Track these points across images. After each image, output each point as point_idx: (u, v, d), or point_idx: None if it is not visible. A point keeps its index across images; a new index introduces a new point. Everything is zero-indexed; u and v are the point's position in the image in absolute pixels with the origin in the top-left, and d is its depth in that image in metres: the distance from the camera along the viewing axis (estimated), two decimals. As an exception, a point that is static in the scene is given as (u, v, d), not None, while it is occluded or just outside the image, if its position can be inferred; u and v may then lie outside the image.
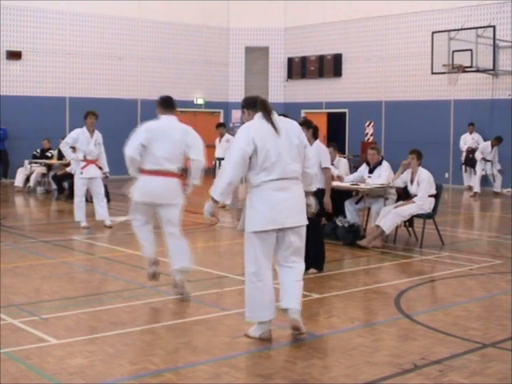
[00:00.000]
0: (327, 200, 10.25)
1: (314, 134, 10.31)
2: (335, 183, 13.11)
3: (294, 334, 6.95)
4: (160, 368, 6.07)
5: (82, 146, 14.00)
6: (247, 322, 6.94)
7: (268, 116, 6.73)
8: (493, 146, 22.52)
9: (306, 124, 10.17)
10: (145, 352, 6.48)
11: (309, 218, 9.48)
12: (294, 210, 6.79)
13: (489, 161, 22.58)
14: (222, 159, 17.53)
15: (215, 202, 6.82)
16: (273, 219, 6.67)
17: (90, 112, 14.34)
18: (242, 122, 7.10)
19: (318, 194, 10.17)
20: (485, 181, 22.91)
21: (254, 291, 6.80)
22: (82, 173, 14.02)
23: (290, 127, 6.89)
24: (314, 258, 9.91)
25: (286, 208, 6.70)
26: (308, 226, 9.05)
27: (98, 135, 14.25)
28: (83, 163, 14.08)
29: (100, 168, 14.25)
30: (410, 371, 6.03)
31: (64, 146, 14.29)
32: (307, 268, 9.17)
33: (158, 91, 28.40)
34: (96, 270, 10.25)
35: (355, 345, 6.78)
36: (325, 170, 10.26)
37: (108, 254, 11.50)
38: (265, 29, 30.60)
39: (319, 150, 10.13)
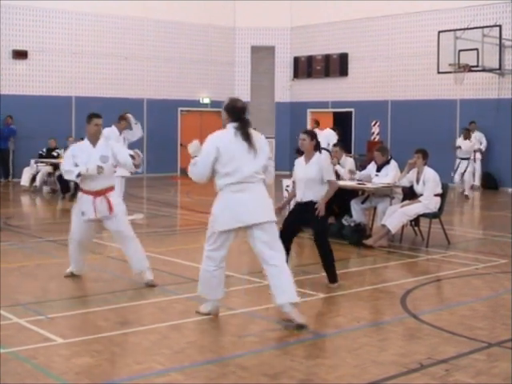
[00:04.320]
0: (321, 205, 9.37)
1: (316, 147, 9.66)
2: (342, 182, 13.13)
3: (295, 326, 7.27)
4: (166, 367, 6.07)
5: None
6: (198, 295, 7.80)
7: (246, 135, 7.26)
8: (466, 138, 22.23)
9: (309, 134, 9.73)
10: (151, 351, 6.49)
11: (318, 233, 9.31)
12: (255, 209, 7.29)
13: (467, 158, 22.13)
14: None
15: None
16: (236, 218, 7.27)
17: (122, 116, 14.63)
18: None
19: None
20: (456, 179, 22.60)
21: (208, 274, 7.63)
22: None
23: (259, 140, 7.40)
24: (329, 272, 9.45)
25: (247, 207, 7.24)
26: (320, 243, 9.02)
27: (124, 133, 14.42)
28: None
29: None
30: (415, 371, 6.03)
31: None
32: (331, 282, 9.37)
33: (164, 91, 28.71)
34: (102, 270, 10.25)
35: (361, 344, 6.79)
36: (329, 182, 9.55)
37: (114, 253, 11.50)
38: (271, 28, 30.58)
39: (319, 164, 9.46)
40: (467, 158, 22.09)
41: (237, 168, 7.17)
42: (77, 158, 9.37)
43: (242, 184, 7.21)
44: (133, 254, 9.35)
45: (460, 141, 22.25)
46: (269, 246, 7.34)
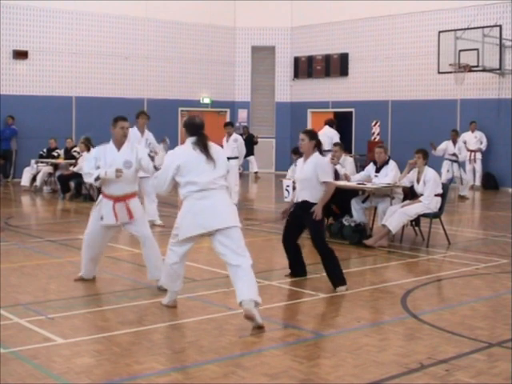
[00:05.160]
0: (318, 208, 9.14)
1: (316, 146, 9.40)
2: (342, 182, 13.12)
3: (254, 326, 7.30)
4: (167, 367, 6.08)
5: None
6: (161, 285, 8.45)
7: (203, 147, 7.68)
8: (454, 142, 22.04)
9: (308, 134, 9.47)
10: (151, 351, 6.49)
11: (314, 235, 9.23)
12: (215, 215, 7.55)
13: (455, 161, 21.79)
14: (230, 158, 17.50)
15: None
16: (198, 225, 7.58)
17: (141, 112, 14.46)
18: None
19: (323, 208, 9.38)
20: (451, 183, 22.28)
21: (168, 267, 8.00)
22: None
23: (216, 153, 7.79)
24: (336, 275, 9.25)
25: (207, 214, 7.53)
26: (316, 245, 8.97)
27: (148, 134, 14.36)
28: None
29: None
30: (416, 371, 6.03)
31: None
32: (336, 286, 9.16)
33: (165, 91, 28.71)
34: (103, 270, 10.22)
35: (362, 344, 6.79)
36: (325, 184, 9.29)
37: (115, 253, 11.50)
38: (271, 28, 30.59)
39: (316, 164, 9.27)
40: (456, 161, 21.85)
41: (197, 177, 7.55)
42: (99, 161, 9.02)
43: (203, 192, 7.55)
44: (150, 260, 9.04)
45: (450, 144, 22.04)
46: (232, 251, 7.51)
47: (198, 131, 7.82)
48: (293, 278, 9.83)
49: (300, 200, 9.41)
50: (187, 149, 7.74)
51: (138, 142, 13.89)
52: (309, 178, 9.27)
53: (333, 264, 9.28)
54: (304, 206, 9.29)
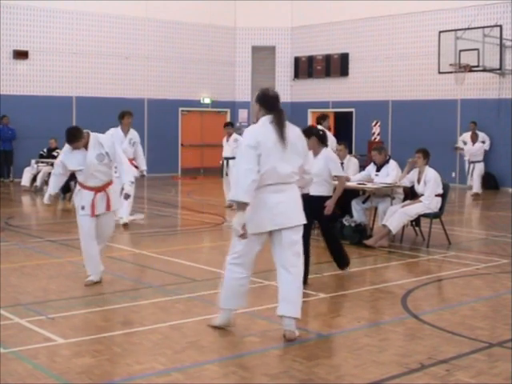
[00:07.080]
0: (330, 203, 9.56)
1: (321, 141, 9.61)
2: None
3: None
4: (167, 367, 6.07)
5: None
6: (222, 308, 7.23)
7: (280, 128, 6.70)
8: (473, 141, 22.33)
9: (305, 133, 8.44)
10: (152, 351, 6.49)
11: (321, 222, 9.21)
12: (290, 211, 6.85)
13: (478, 161, 22.38)
14: (230, 158, 17.52)
15: (243, 208, 6.62)
16: (270, 220, 6.79)
17: (126, 112, 14.42)
18: (252, 122, 7.09)
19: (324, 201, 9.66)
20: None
21: (235, 282, 7.03)
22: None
23: (294, 135, 6.90)
24: (341, 257, 10.04)
25: (282, 209, 6.78)
26: (323, 231, 8.98)
27: (133, 134, 14.32)
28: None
29: (136, 167, 14.16)
30: (416, 371, 6.02)
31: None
32: (342, 267, 9.87)
33: (165, 91, 28.71)
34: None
35: (362, 344, 6.78)
36: (338, 178, 9.72)
37: (115, 253, 11.50)
38: (271, 28, 30.59)
39: (326, 158, 9.54)
40: (478, 161, 22.29)
41: (273, 168, 6.65)
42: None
43: (278, 185, 6.75)
44: (97, 255, 9.32)
45: (469, 144, 22.42)
46: (293, 250, 6.85)
47: (273, 106, 6.78)
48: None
49: (315, 195, 9.23)
50: (264, 129, 6.69)
51: (121, 141, 13.85)
52: (320, 173, 9.42)
53: (338, 248, 10.03)
54: (319, 203, 9.49)
